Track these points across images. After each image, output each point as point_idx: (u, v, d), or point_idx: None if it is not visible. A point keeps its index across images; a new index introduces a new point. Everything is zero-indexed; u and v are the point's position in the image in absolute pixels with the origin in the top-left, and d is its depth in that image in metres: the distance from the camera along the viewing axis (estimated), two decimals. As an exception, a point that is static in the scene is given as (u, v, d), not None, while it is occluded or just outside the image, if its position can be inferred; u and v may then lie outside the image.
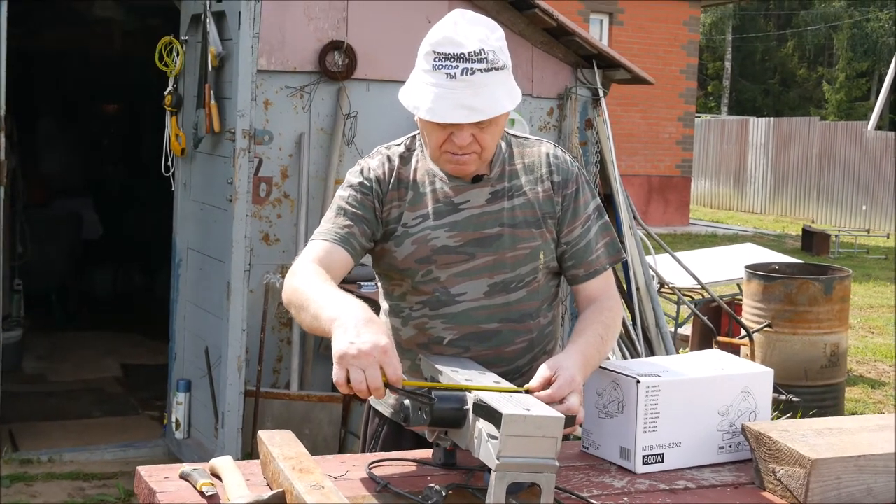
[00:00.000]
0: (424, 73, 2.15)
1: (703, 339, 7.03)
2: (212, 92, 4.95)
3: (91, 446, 5.51)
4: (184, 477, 1.95)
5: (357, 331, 1.92)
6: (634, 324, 6.33)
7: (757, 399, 2.26)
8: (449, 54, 2.11)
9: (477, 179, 2.30)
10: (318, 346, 5.67)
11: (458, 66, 2.11)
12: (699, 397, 2.20)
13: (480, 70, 2.11)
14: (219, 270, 4.97)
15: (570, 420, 1.98)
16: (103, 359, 7.40)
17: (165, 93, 5.37)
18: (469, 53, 2.11)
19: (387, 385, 1.92)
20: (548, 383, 2.05)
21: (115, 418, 6.11)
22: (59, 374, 7.01)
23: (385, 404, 2.43)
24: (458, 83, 2.11)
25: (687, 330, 7.77)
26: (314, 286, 2.12)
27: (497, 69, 2.13)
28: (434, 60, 2.13)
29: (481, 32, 2.15)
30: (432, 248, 2.28)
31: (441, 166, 2.29)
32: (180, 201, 5.53)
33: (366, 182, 2.31)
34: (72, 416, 6.10)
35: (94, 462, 5.35)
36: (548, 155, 2.36)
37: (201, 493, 1.88)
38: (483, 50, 2.11)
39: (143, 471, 2.00)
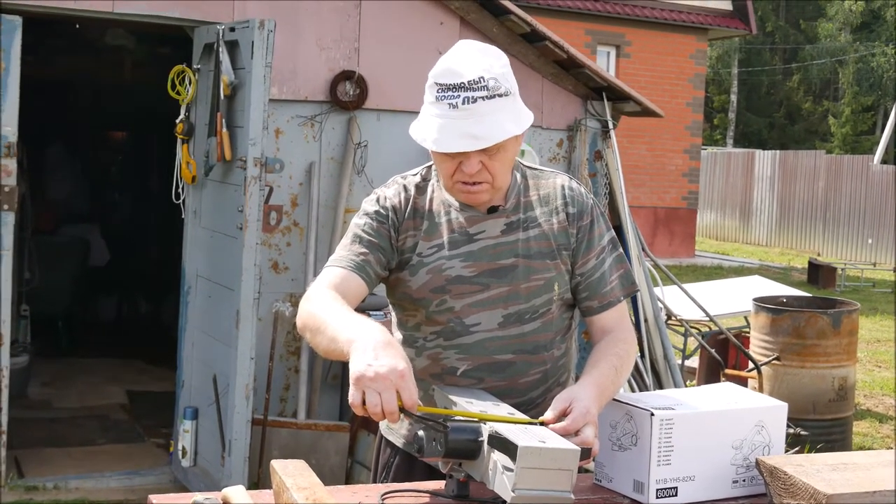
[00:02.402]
0: (430, 106, 2.18)
1: (711, 372, 7.00)
2: (223, 120, 4.97)
3: (96, 473, 5.49)
4: (196, 506, 1.94)
5: (375, 353, 1.92)
6: (643, 356, 6.31)
7: (771, 433, 2.25)
8: (450, 84, 2.14)
9: (492, 210, 2.31)
10: (326, 376, 5.66)
11: (459, 96, 2.13)
12: (713, 431, 2.19)
13: (482, 98, 2.13)
14: (228, 298, 4.97)
15: (586, 452, 1.97)
16: (108, 385, 7.39)
17: (177, 121, 5.40)
18: (469, 82, 2.13)
19: (402, 410, 1.91)
20: (563, 415, 2.04)
21: (121, 445, 6.10)
22: (64, 400, 7.00)
23: (397, 434, 2.42)
24: (461, 112, 2.13)
25: (694, 362, 7.75)
26: (331, 310, 2.12)
27: (500, 96, 2.15)
28: (437, 92, 2.16)
29: (482, 60, 2.16)
30: (447, 278, 2.28)
31: (454, 196, 2.30)
32: (190, 229, 5.54)
33: (382, 211, 2.32)
34: (77, 442, 6.08)
35: (99, 489, 5.33)
36: (563, 187, 2.37)
37: (214, 523, 1.87)
38: (483, 78, 2.13)
39: (156, 499, 1.99)
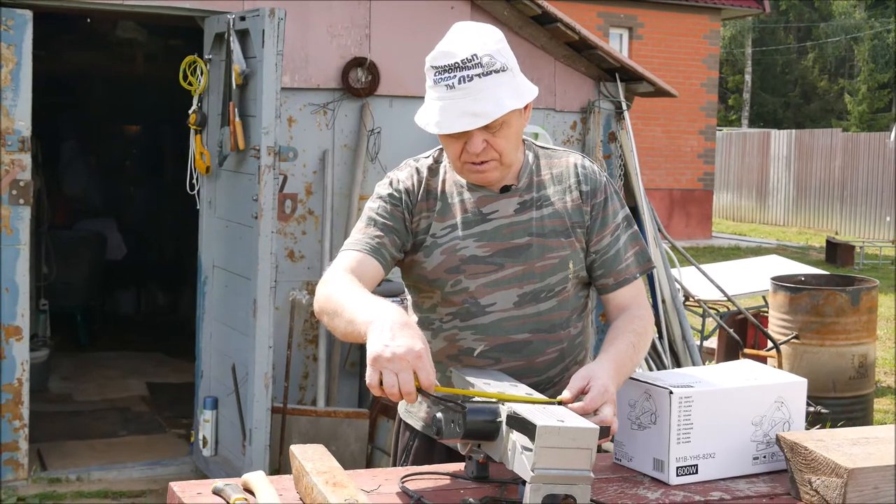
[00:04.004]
0: (430, 90, 2.20)
1: (730, 352, 6.99)
2: (236, 110, 4.97)
3: (118, 465, 5.52)
4: (217, 492, 1.94)
5: (392, 334, 1.91)
6: (661, 337, 6.30)
7: (791, 409, 2.24)
8: (444, 66, 2.14)
9: (505, 190, 2.30)
10: (344, 363, 5.67)
11: (454, 76, 2.13)
12: (732, 408, 2.18)
13: (477, 75, 2.13)
14: (244, 287, 4.98)
15: (605, 431, 1.97)
16: (128, 378, 7.43)
17: (190, 111, 5.40)
18: (462, 61, 2.13)
19: (419, 390, 1.91)
20: (581, 394, 2.04)
21: (142, 437, 6.13)
22: (84, 393, 7.03)
23: (416, 417, 2.42)
24: (458, 92, 2.13)
25: (713, 343, 7.73)
26: (349, 292, 2.12)
27: (496, 72, 2.15)
28: (434, 75, 2.17)
29: (475, 38, 2.16)
30: (461, 258, 2.28)
31: (465, 177, 2.30)
32: (205, 219, 5.55)
33: (395, 193, 2.32)
34: (98, 435, 6.12)
35: (121, 480, 5.36)
36: (576, 165, 2.36)
37: (235, 508, 1.87)
38: (476, 55, 2.13)
39: (176, 486, 2.00)
